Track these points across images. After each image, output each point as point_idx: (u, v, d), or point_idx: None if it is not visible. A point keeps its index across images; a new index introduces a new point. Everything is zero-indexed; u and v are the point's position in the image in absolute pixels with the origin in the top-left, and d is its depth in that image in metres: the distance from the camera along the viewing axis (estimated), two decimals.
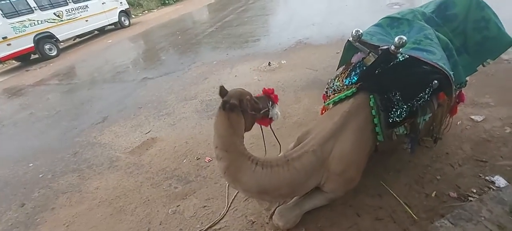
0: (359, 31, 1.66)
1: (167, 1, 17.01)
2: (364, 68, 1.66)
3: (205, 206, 2.02)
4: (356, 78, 1.65)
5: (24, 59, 8.42)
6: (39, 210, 2.35)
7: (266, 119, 1.61)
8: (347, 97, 1.64)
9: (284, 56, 4.79)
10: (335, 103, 1.75)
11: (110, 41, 9.34)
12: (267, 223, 1.76)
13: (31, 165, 3.04)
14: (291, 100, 3.27)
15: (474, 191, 1.74)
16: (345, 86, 1.71)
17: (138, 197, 2.25)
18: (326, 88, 1.90)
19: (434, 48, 1.56)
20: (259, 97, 1.60)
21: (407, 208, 1.70)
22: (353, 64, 1.82)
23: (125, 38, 9.50)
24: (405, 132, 1.64)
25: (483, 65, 1.85)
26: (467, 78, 1.94)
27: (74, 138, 3.46)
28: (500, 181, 1.75)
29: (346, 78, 1.74)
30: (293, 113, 2.99)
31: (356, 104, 1.58)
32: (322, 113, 2.05)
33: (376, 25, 1.91)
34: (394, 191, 1.82)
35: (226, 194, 2.06)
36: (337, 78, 1.85)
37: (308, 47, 5.05)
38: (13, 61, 8.48)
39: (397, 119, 1.52)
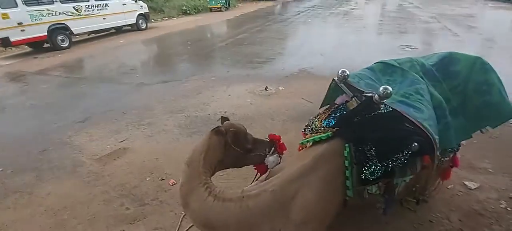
0: (345, 71, 1.50)
1: (188, 11, 17.43)
2: (344, 112, 1.47)
3: None
4: (333, 122, 1.46)
5: (36, 46, 8.58)
6: None
7: (262, 165, 1.49)
8: (321, 140, 1.45)
9: (283, 82, 4.64)
10: (314, 143, 1.55)
11: (123, 41, 9.48)
12: None
13: None
14: (277, 130, 3.02)
15: None
16: (322, 128, 1.52)
17: (85, 212, 2.05)
18: (306, 126, 1.72)
19: (423, 105, 1.37)
20: (261, 141, 1.52)
21: None
22: (336, 105, 1.63)
23: (138, 40, 9.63)
24: (378, 192, 1.41)
25: (482, 132, 1.63)
26: (464, 142, 1.72)
27: (49, 133, 3.32)
28: None
29: (325, 119, 1.56)
30: None
31: (329, 150, 1.38)
32: (299, 150, 1.85)
33: (368, 68, 1.76)
34: None
35: (177, 226, 1.84)
36: (317, 118, 1.66)
37: (310, 77, 4.89)
38: (26, 46, 8.66)
39: (370, 177, 1.30)
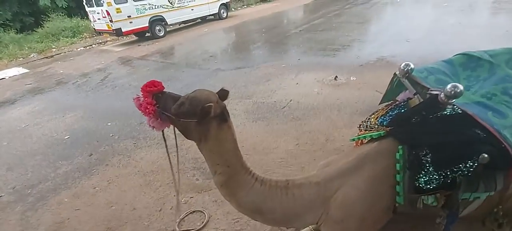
0: (409, 65, 1.37)
1: None
2: (403, 111, 1.34)
3: (214, 204, 2.06)
4: (388, 120, 1.35)
5: (140, 35, 10.27)
6: (98, 163, 2.86)
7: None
8: (372, 139, 1.37)
9: (356, 72, 4.35)
10: (369, 141, 1.49)
11: (206, 30, 10.41)
12: None
13: (109, 124, 3.72)
14: (343, 123, 2.95)
15: None
16: (376, 126, 1.43)
17: (166, 177, 2.47)
18: (362, 122, 1.64)
19: (510, 109, 1.13)
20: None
21: None
22: (397, 102, 1.49)
23: (219, 29, 10.41)
24: (435, 204, 1.25)
25: None
26: None
27: None
28: None
29: (381, 117, 1.46)
30: (338, 138, 2.71)
31: (378, 149, 1.29)
32: (356, 145, 1.78)
33: (446, 61, 1.52)
34: None
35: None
36: (374, 115, 1.56)
37: (390, 67, 4.42)
38: (133, 36, 10.45)
39: (424, 186, 1.17)
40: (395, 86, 1.61)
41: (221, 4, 12.24)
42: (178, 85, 4.94)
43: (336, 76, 4.15)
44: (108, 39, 11.02)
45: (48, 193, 2.51)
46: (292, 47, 6.48)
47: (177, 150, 1.48)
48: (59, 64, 8.23)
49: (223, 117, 1.24)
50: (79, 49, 10.26)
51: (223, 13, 12.47)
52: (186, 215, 2.02)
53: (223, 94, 1.26)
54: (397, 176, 1.23)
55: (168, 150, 1.47)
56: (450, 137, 1.14)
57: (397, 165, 1.22)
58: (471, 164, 1.08)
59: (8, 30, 12.08)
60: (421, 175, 1.18)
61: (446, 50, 4.63)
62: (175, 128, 1.32)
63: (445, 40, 5.29)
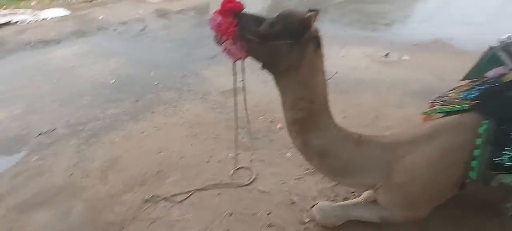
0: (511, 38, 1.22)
1: None
2: (492, 86, 1.23)
3: (260, 164, 2.07)
4: (474, 95, 1.25)
5: None
6: (144, 109, 2.94)
7: None
8: (453, 112, 1.28)
9: (409, 51, 4.03)
10: (444, 114, 1.41)
11: None
12: (307, 210, 1.66)
13: (152, 73, 3.77)
14: (393, 102, 2.79)
15: None
16: (458, 101, 1.33)
17: (211, 131, 2.50)
18: (436, 97, 1.54)
19: None
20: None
21: None
22: (486, 78, 1.36)
23: None
24: None
25: None
26: None
27: (187, 63, 4.02)
28: None
29: (464, 91, 1.36)
30: (388, 116, 2.57)
31: (459, 121, 1.24)
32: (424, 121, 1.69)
33: None
34: None
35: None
36: (454, 90, 1.46)
37: (447, 50, 4.06)
38: None
39: (508, 163, 1.08)
40: (485, 62, 1.46)
41: None
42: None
43: (388, 53, 3.88)
44: None
45: (99, 131, 2.63)
46: (337, 17, 6.08)
47: (244, 93, 1.43)
48: (98, 10, 8.33)
49: (319, 41, 1.14)
50: None
51: None
52: (237, 169, 2.04)
53: (314, 14, 1.12)
54: (476, 150, 1.16)
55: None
56: None
57: (478, 139, 1.15)
58: None
59: None
60: (506, 152, 1.10)
61: None
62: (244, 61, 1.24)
63: None
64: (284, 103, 1.32)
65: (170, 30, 5.88)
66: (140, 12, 7.58)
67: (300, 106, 1.24)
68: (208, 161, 2.16)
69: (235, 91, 1.43)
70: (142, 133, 2.56)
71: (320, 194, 1.77)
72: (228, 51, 1.20)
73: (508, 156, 1.11)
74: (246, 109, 1.55)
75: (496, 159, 1.13)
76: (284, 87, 1.27)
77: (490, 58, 1.42)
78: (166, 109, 2.90)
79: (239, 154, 2.19)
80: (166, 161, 2.19)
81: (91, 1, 9.78)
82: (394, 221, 1.40)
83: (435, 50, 4.07)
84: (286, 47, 1.13)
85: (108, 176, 2.11)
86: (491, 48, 1.40)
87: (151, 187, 1.95)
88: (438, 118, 1.43)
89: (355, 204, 1.52)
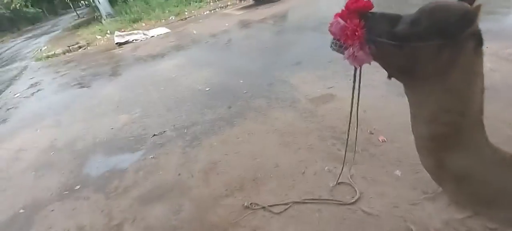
0: None
1: None
2: None
3: (363, 180, 1.88)
4: None
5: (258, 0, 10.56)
6: (237, 115, 3.10)
7: None
8: None
9: None
10: None
11: None
12: None
13: (241, 81, 3.97)
14: None
15: None
16: None
17: (304, 141, 2.43)
18: None
19: None
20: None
21: None
22: None
23: None
24: None
25: None
26: None
27: (272, 71, 4.10)
28: None
29: None
30: (508, 125, 2.01)
31: None
32: None
33: None
34: None
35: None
36: None
37: None
38: (250, 0, 10.83)
39: None
40: None
41: None
42: (301, 49, 4.81)
43: None
44: (229, 3, 11.82)
45: (200, 135, 2.90)
46: (410, 6, 5.25)
47: (358, 99, 1.28)
48: (191, 26, 9.42)
49: (480, 37, 0.92)
50: (205, 13, 11.46)
51: None
52: (338, 184, 1.91)
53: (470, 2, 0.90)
54: None
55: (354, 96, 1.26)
56: None
57: None
58: None
59: None
60: None
61: None
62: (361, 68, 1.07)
63: None
64: (419, 116, 1.08)
65: (254, 39, 6.14)
66: (226, 24, 8.21)
67: (444, 120, 0.98)
68: (303, 172, 2.10)
69: (353, 100, 1.30)
70: (238, 138, 2.69)
71: (446, 226, 1.47)
72: (353, 58, 1.07)
73: None
74: (354, 120, 1.39)
75: None
76: (422, 97, 1.03)
77: None
78: (256, 117, 2.98)
79: (335, 167, 2.07)
80: (262, 168, 2.22)
81: (185, 18, 11.16)
82: None
83: None
84: (435, 49, 0.91)
85: (210, 178, 2.28)
86: None
87: (250, 193, 2.00)
88: None
89: None
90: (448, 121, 0.97)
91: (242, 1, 10.86)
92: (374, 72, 3.42)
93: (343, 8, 1.03)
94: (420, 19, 0.91)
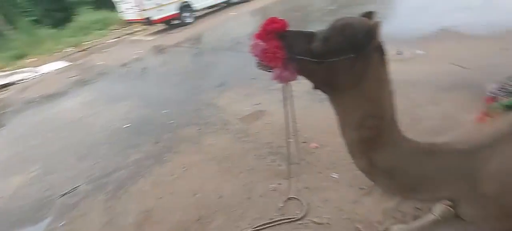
0: None
1: None
2: None
3: (307, 191, 1.92)
4: None
5: (167, 24, 10.22)
6: (166, 150, 2.81)
7: None
8: None
9: (420, 45, 3.97)
10: (507, 108, 1.25)
11: (234, 13, 10.14)
12: None
13: (165, 111, 3.67)
14: (425, 100, 2.67)
15: None
16: None
17: (244, 163, 2.35)
18: (496, 89, 1.39)
19: None
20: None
21: None
22: None
23: (247, 12, 10.10)
24: None
25: None
26: None
27: (197, 95, 3.94)
28: None
29: None
30: (426, 117, 2.44)
31: None
32: (480, 120, 1.54)
33: None
34: None
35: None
36: None
37: (457, 38, 4.00)
38: (160, 25, 10.42)
39: None
40: None
41: None
42: (223, 69, 4.81)
43: (400, 51, 3.81)
44: (137, 29, 11.09)
45: (126, 181, 2.49)
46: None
47: (289, 113, 1.28)
48: (96, 56, 8.38)
49: (383, 48, 1.00)
50: (110, 41, 10.42)
51: None
52: (284, 202, 1.88)
53: (369, 17, 1.01)
54: None
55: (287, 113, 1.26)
56: None
57: None
58: None
59: (42, 26, 12.48)
60: None
61: None
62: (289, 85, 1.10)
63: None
64: (346, 124, 1.17)
65: (172, 64, 5.86)
66: (138, 52, 7.62)
67: (369, 124, 1.09)
68: (249, 197, 2.01)
69: (286, 115, 1.29)
70: (172, 175, 2.42)
71: (385, 216, 1.61)
72: (279, 78, 1.07)
73: None
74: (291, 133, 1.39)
75: None
76: (346, 106, 1.12)
77: None
78: (188, 147, 2.77)
79: (280, 184, 2.06)
80: (204, 204, 2.03)
81: (86, 49, 9.87)
82: None
83: (446, 39, 4.01)
84: (348, 62, 0.99)
85: (145, 230, 1.95)
86: None
87: None
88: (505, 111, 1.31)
89: (434, 225, 1.36)
90: (372, 124, 1.07)
91: (152, 26, 10.33)
92: (294, 83, 3.65)
93: (260, 29, 1.00)
94: (332, 36, 0.97)
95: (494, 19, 4.24)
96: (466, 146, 1.18)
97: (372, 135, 1.11)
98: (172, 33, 9.12)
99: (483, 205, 1.16)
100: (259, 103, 3.33)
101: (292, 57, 1.01)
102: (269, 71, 1.08)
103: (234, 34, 7.18)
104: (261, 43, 1.03)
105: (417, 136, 1.17)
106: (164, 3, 9.20)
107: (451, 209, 1.38)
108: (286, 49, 0.99)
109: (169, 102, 3.93)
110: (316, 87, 1.14)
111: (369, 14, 1.07)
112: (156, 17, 9.21)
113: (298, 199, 1.87)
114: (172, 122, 3.35)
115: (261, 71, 1.05)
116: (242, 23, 8.55)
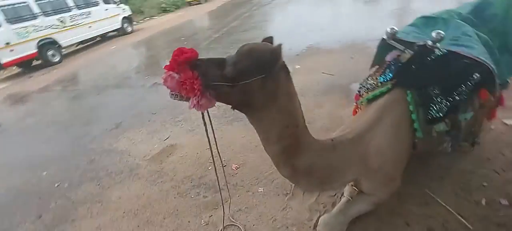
0: (394, 28, 1.63)
1: (168, 9, 17.04)
2: (400, 64, 1.59)
3: (240, 213, 1.92)
4: (391, 75, 1.57)
5: (26, 65, 8.27)
6: (58, 222, 2.22)
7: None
8: (381, 94, 1.56)
9: (297, 61, 4.74)
10: (369, 101, 1.67)
11: (114, 47, 9.26)
12: None
13: (45, 173, 2.91)
14: (313, 105, 3.20)
15: None
16: (379, 84, 1.63)
17: (166, 207, 2.14)
18: (359, 88, 1.83)
19: (473, 44, 1.49)
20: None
21: (460, 217, 1.61)
22: (388, 62, 1.73)
23: (129, 44, 9.42)
24: (446, 129, 1.53)
25: None
26: (509, 80, 1.88)
27: (88, 144, 3.34)
28: None
29: (380, 75, 1.67)
30: (316, 119, 2.92)
31: (391, 99, 1.50)
32: (354, 113, 1.97)
33: (410, 25, 1.85)
34: (441, 199, 1.74)
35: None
36: (370, 77, 1.76)
37: (321, 52, 5.01)
38: (14, 68, 8.32)
39: (437, 115, 1.44)
40: (381, 50, 1.81)
41: (124, 18, 11.12)
42: (115, 108, 4.27)
43: None
44: None
45: None
46: (224, 49, 6.49)
47: (216, 143, 1.29)
48: None
49: (287, 67, 1.16)
50: None
51: (127, 27, 11.35)
52: (223, 228, 1.81)
53: (269, 41, 1.18)
54: (413, 115, 1.46)
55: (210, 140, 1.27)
56: (448, 70, 1.43)
57: (410, 106, 1.46)
58: (469, 84, 1.39)
59: None
60: (432, 107, 1.44)
61: (354, 33, 5.55)
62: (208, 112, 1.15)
63: (350, 25, 6.32)
64: (267, 139, 1.28)
65: (41, 115, 4.74)
66: None
67: (287, 134, 1.23)
68: None
69: (210, 142, 1.29)
70: None
71: (311, 212, 1.80)
72: (198, 106, 1.08)
73: (434, 110, 1.45)
74: (218, 163, 1.39)
75: (428, 115, 1.47)
76: (265, 123, 1.23)
77: (384, 46, 1.78)
78: (90, 210, 2.29)
79: (211, 216, 1.99)
80: None
81: None
82: (382, 200, 1.59)
83: (314, 54, 4.96)
84: (260, 83, 1.10)
85: None
86: (383, 39, 1.75)
87: None
88: (367, 105, 1.69)
89: (348, 204, 1.63)
90: (290, 133, 1.23)
91: (2, 70, 8.12)
92: (198, 111, 3.66)
93: (170, 60, 1.01)
94: (240, 61, 1.07)
95: (341, 36, 5.55)
96: (354, 134, 1.49)
97: (292, 143, 1.26)
98: (34, 76, 7.42)
99: (374, 177, 1.49)
100: (168, 138, 3.13)
101: (209, 85, 1.04)
102: (185, 101, 1.08)
103: (120, 69, 6.54)
104: (174, 75, 1.01)
105: (316, 136, 1.41)
106: (16, 42, 7.41)
107: (356, 188, 1.70)
108: (201, 78, 1.01)
109: (48, 161, 3.14)
110: (235, 108, 1.21)
111: (269, 39, 1.23)
112: (6, 59, 7.28)
113: (235, 224, 1.85)
114: (58, 184, 2.69)
115: (161, 104, 1.03)
116: (127, 57, 7.90)
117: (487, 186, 1.79)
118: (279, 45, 1.08)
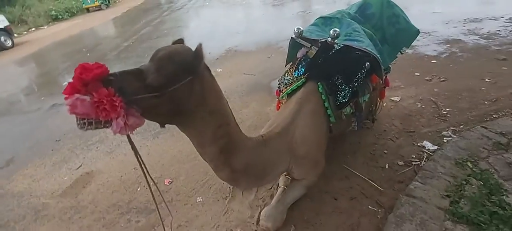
0: (300, 28, 1.82)
1: (60, 16, 14.61)
2: (309, 60, 1.80)
3: (181, 228, 1.83)
4: (303, 70, 1.77)
5: None
6: None
7: None
8: (298, 87, 1.74)
9: (218, 64, 4.77)
10: (288, 95, 1.83)
11: None
12: (255, 230, 1.71)
13: None
14: (239, 106, 3.28)
15: (414, 156, 2.12)
16: (295, 79, 1.80)
17: None
18: (279, 84, 1.98)
19: (362, 38, 1.81)
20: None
21: (372, 182, 1.93)
22: (299, 58, 1.92)
23: (11, 62, 7.70)
24: (351, 111, 1.81)
25: (401, 53, 2.24)
26: (390, 65, 2.34)
27: None
28: (428, 145, 2.19)
29: (294, 71, 1.84)
30: (245, 118, 3.01)
31: (306, 92, 1.69)
32: (278, 108, 2.12)
33: (312, 24, 2.09)
34: (357, 171, 2.04)
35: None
36: (287, 73, 1.93)
37: (240, 54, 5.17)
38: None
39: (343, 100, 1.69)
40: (291, 49, 2.00)
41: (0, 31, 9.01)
42: (2, 142, 3.43)
43: None
44: None
45: None
46: (137, 58, 5.99)
47: (144, 165, 1.17)
48: None
49: (208, 66, 1.16)
50: None
51: (5, 41, 9.28)
52: None
53: (180, 43, 1.17)
54: (325, 103, 1.70)
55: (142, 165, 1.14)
56: (346, 61, 1.71)
57: (322, 96, 1.69)
58: (363, 71, 1.69)
59: None
60: (338, 94, 1.70)
61: (269, 34, 5.95)
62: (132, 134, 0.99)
63: (263, 27, 6.73)
64: (202, 143, 1.25)
65: None
66: None
67: (220, 134, 1.23)
68: None
69: (142, 167, 1.15)
70: None
71: (252, 209, 1.85)
72: (127, 128, 0.96)
73: (341, 96, 1.70)
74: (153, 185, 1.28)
75: (337, 102, 1.71)
76: (198, 127, 1.19)
77: (294, 45, 1.98)
78: None
79: None
80: None
81: None
82: (313, 183, 1.76)
83: (233, 57, 5.08)
84: (188, 86, 1.06)
85: None
86: (292, 38, 1.93)
87: None
88: (288, 99, 1.85)
89: (285, 193, 1.74)
90: (223, 132, 1.24)
91: None
92: (103, 130, 3.31)
93: (73, 80, 0.86)
94: (163, 66, 1.00)
95: (257, 38, 5.85)
96: (280, 128, 1.60)
97: (227, 141, 1.27)
98: None
99: (302, 163, 1.63)
100: (80, 166, 2.70)
101: (131, 99, 0.94)
102: (103, 128, 0.93)
103: (3, 93, 5.27)
104: (84, 97, 0.86)
105: (248, 134, 1.47)
106: None
107: (289, 177, 1.83)
108: (119, 94, 0.90)
109: None
110: (164, 122, 1.13)
111: (179, 41, 1.19)
112: None
113: None
114: None
115: (67, 128, 0.88)
116: (11, 77, 6.43)
117: (387, 153, 2.20)
118: (200, 45, 1.05)
